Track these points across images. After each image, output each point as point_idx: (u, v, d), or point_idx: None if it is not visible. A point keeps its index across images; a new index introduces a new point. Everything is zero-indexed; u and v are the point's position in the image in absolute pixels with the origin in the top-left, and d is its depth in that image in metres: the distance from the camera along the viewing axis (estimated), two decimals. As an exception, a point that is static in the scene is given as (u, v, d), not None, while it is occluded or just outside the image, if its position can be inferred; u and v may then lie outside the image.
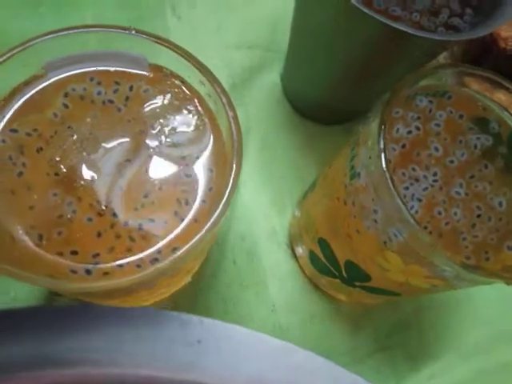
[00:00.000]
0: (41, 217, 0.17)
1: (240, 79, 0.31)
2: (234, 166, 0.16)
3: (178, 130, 0.18)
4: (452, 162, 0.18)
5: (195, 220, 0.17)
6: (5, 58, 0.17)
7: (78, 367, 0.11)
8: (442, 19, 0.22)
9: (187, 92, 0.19)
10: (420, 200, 0.18)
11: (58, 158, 0.17)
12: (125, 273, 0.16)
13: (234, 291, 0.26)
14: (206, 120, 0.18)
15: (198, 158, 0.18)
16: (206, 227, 0.16)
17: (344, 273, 0.23)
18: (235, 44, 0.32)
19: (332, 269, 0.23)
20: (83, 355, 0.11)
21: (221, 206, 0.16)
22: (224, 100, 0.17)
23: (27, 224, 0.17)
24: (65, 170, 0.17)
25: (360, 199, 0.18)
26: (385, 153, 0.16)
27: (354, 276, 0.22)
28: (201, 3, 0.33)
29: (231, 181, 0.16)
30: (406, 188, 0.18)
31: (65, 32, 0.17)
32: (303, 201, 0.27)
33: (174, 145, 0.18)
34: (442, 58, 0.32)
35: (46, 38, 0.17)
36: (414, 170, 0.18)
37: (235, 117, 0.17)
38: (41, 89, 0.18)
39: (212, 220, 0.16)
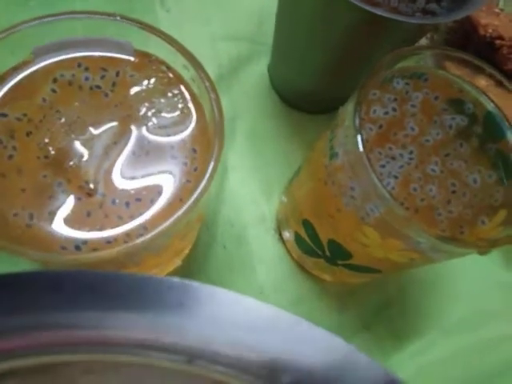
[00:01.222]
0: (32, 198, 0.17)
1: (227, 70, 0.32)
2: (216, 145, 0.17)
3: (163, 113, 0.19)
4: (428, 140, 0.19)
5: (180, 199, 0.18)
6: (-6, 43, 0.18)
7: (63, 330, 0.12)
8: (419, 5, 0.22)
9: (172, 77, 0.19)
10: (396, 177, 0.18)
11: (46, 141, 0.18)
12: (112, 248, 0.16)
13: (224, 275, 0.27)
14: (190, 103, 0.19)
15: (182, 139, 0.19)
16: (188, 204, 0.16)
17: (327, 252, 0.23)
18: (223, 36, 0.33)
19: (316, 249, 0.24)
20: (66, 318, 0.12)
21: (203, 183, 0.17)
22: (207, 83, 0.18)
23: (19, 205, 0.17)
24: (53, 153, 0.18)
25: (338, 178, 0.19)
26: (360, 132, 0.17)
27: (337, 254, 0.23)
28: (189, -4, 0.33)
29: (213, 159, 0.17)
30: (383, 166, 0.18)
31: (52, 18, 0.18)
32: (289, 186, 0.28)
33: (160, 127, 0.19)
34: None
35: (33, 23, 0.18)
36: (390, 148, 0.19)
37: (217, 99, 0.17)
38: (30, 74, 0.19)
39: (193, 198, 0.17)
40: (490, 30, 0.31)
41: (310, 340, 0.12)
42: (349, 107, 0.18)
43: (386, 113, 0.19)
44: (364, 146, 0.17)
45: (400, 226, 0.17)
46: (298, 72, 0.29)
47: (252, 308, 0.12)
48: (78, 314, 0.12)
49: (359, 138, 0.17)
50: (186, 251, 0.25)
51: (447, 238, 0.17)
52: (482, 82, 0.30)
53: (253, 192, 0.29)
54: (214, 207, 0.28)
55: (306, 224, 0.24)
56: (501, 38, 0.31)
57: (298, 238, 0.26)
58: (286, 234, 0.28)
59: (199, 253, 0.27)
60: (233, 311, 0.12)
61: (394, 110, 0.19)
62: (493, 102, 0.21)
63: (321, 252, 0.24)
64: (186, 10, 0.33)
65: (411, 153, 0.19)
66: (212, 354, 0.12)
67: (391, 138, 0.19)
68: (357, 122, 0.17)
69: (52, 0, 0.32)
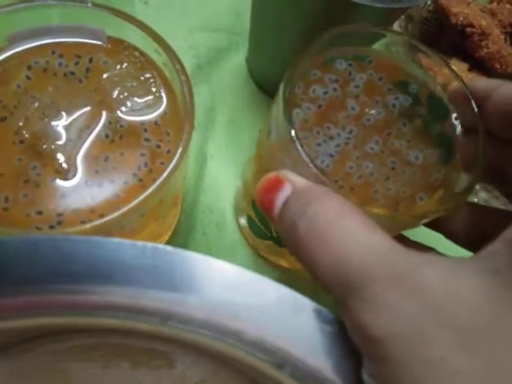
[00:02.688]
0: (8, 182, 0.18)
1: (206, 61, 0.33)
2: (187, 124, 0.17)
3: (136, 97, 0.19)
4: (369, 120, 0.19)
5: (153, 180, 0.18)
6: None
7: (44, 293, 0.12)
8: (385, -9, 0.23)
9: (144, 61, 0.20)
10: (332, 155, 0.18)
11: (21, 124, 0.18)
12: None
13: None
14: (162, 87, 0.19)
15: (155, 122, 0.19)
16: (159, 181, 0.17)
17: (274, 232, 0.24)
18: (200, 27, 0.34)
19: (265, 230, 0.24)
20: (48, 282, 0.12)
21: (173, 162, 0.17)
22: (177, 66, 0.18)
23: (-5, 189, 0.18)
24: (28, 136, 0.18)
25: (275, 155, 0.19)
26: (290, 113, 0.17)
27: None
28: (167, -11, 0.34)
29: (184, 138, 0.17)
30: (319, 144, 0.18)
31: (25, 5, 0.18)
32: (243, 171, 0.28)
33: (133, 111, 0.19)
34: (398, 35, 0.34)
35: (6, 9, 0.18)
36: (328, 128, 0.19)
37: (187, 81, 0.18)
38: (4, 61, 0.19)
39: (164, 175, 0.17)
40: (461, 19, 0.32)
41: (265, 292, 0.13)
42: (280, 88, 0.18)
43: (326, 92, 0.19)
44: (296, 132, 0.16)
45: None
46: (272, 61, 0.29)
47: (219, 270, 0.13)
48: (51, 282, 0.12)
49: (290, 126, 0.16)
50: (166, 237, 0.26)
51: (376, 214, 0.17)
52: (453, 67, 0.31)
53: (231, 179, 0.30)
54: (193, 195, 0.29)
55: (255, 204, 0.24)
56: (471, 25, 0.32)
57: (250, 221, 0.26)
58: (242, 221, 0.28)
59: (179, 239, 0.28)
60: (203, 273, 0.13)
61: (335, 90, 0.19)
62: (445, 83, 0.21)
63: (269, 233, 0.24)
64: (163, 2, 0.33)
65: (350, 132, 0.19)
66: (184, 316, 0.12)
67: (331, 118, 0.19)
68: (285, 103, 0.17)
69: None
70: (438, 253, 0.20)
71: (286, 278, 0.28)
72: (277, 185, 0.15)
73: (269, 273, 0.28)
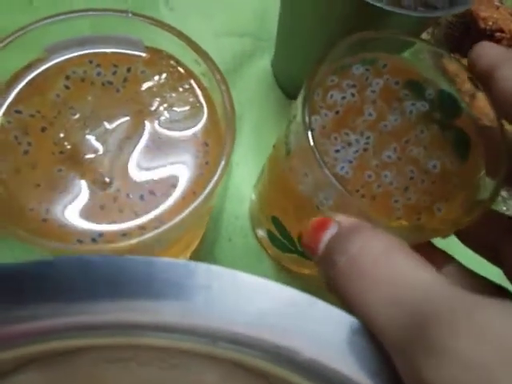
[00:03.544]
0: (47, 193, 0.18)
1: (231, 66, 0.33)
2: (228, 136, 0.17)
3: (175, 107, 0.19)
4: (386, 126, 0.19)
5: (193, 192, 0.18)
6: (6, 42, 0.18)
7: (83, 315, 0.12)
8: (421, -1, 0.23)
9: (182, 71, 0.20)
10: (351, 162, 0.18)
11: (62, 135, 0.18)
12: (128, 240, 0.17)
13: (230, 267, 0.27)
14: (201, 97, 0.19)
15: (194, 133, 0.19)
16: (203, 196, 0.17)
17: (299, 247, 0.23)
18: (226, 32, 0.33)
19: (288, 245, 0.24)
20: (92, 305, 0.12)
21: (217, 175, 0.17)
22: (218, 77, 0.18)
23: (35, 200, 0.18)
24: (69, 147, 0.18)
25: (294, 171, 0.19)
26: (310, 128, 0.16)
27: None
28: (191, -7, 0.34)
29: (226, 151, 0.17)
30: (337, 151, 0.18)
31: (63, 16, 0.18)
32: (257, 184, 0.28)
33: (171, 122, 0.19)
34: (426, 40, 0.33)
35: (45, 22, 0.18)
36: (346, 134, 0.19)
37: (227, 91, 0.18)
38: (43, 71, 0.19)
39: (208, 189, 0.17)
40: (490, 23, 0.31)
41: (326, 318, 0.13)
42: (298, 99, 0.18)
43: (344, 98, 0.19)
44: (314, 141, 0.16)
45: (354, 214, 0.17)
46: (301, 67, 0.29)
47: (271, 290, 0.13)
48: (104, 301, 0.12)
49: (309, 133, 0.16)
50: (194, 246, 0.26)
51: (402, 226, 0.17)
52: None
53: (257, 186, 0.29)
54: (220, 202, 0.29)
55: (275, 220, 0.24)
56: (501, 30, 0.31)
57: (270, 235, 0.26)
58: (260, 232, 0.28)
59: (206, 247, 0.28)
60: (253, 294, 0.13)
61: (353, 95, 0.19)
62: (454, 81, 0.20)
63: (293, 247, 0.24)
64: (189, 7, 0.33)
65: (368, 138, 0.19)
66: (234, 336, 0.12)
67: (348, 124, 0.19)
68: (306, 118, 0.17)
69: (55, 0, 0.32)
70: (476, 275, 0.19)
71: (308, 285, 0.28)
72: (324, 225, 0.15)
73: (292, 281, 0.28)
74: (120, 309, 0.12)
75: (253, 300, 0.12)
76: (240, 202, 0.29)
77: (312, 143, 0.16)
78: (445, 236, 0.17)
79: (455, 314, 0.11)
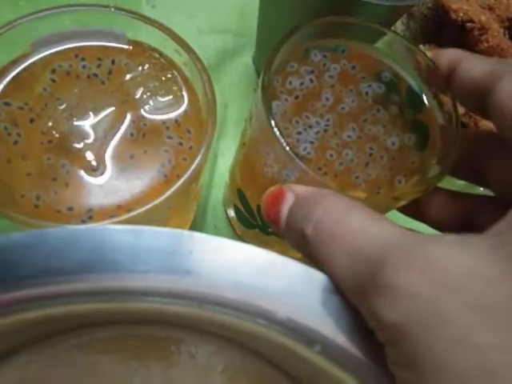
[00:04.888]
0: (37, 181, 0.19)
1: (214, 62, 0.34)
2: (209, 122, 0.18)
3: (158, 96, 0.20)
4: (343, 108, 0.20)
5: (177, 176, 0.19)
6: (-6, 38, 0.19)
7: (71, 283, 0.13)
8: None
9: (164, 62, 0.20)
10: (312, 142, 0.19)
11: (50, 124, 0.19)
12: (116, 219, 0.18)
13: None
14: (183, 86, 0.20)
15: (177, 120, 0.20)
16: (184, 177, 0.18)
17: (259, 219, 0.24)
18: (208, 29, 0.34)
19: (250, 218, 0.25)
20: (79, 274, 0.13)
21: (198, 158, 0.18)
22: (199, 66, 0.19)
23: (25, 188, 0.18)
24: (57, 136, 0.19)
25: (258, 145, 0.20)
26: (269, 106, 0.17)
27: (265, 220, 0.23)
28: (173, -8, 0.35)
29: (207, 134, 0.18)
30: (299, 133, 0.19)
31: (48, 12, 0.19)
32: (231, 165, 0.29)
33: (155, 110, 0.20)
34: (401, 33, 0.35)
35: (31, 17, 0.19)
36: (307, 117, 0.20)
37: (209, 80, 0.19)
38: (29, 66, 0.20)
39: (190, 170, 0.18)
40: (461, 14, 0.33)
41: (302, 277, 0.14)
42: (258, 89, 0.19)
43: (302, 83, 0.20)
44: (276, 123, 0.17)
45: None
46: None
47: (253, 253, 0.14)
48: (91, 269, 0.13)
49: (271, 119, 0.17)
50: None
51: (357, 198, 0.18)
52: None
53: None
54: (206, 191, 0.30)
55: (240, 193, 0.25)
56: (471, 21, 0.33)
57: (237, 212, 0.27)
58: (231, 213, 0.29)
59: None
60: (236, 257, 0.14)
61: (311, 81, 0.20)
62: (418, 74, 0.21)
63: (254, 220, 0.25)
64: (171, 5, 0.34)
65: (328, 120, 0.20)
66: (219, 298, 0.13)
67: (308, 108, 0.20)
68: (267, 103, 0.17)
69: (40, 0, 0.33)
70: None
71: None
72: (280, 196, 0.16)
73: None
74: (106, 276, 0.13)
75: (234, 263, 0.13)
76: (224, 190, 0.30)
77: (275, 127, 0.17)
78: (392, 208, 0.19)
79: (399, 252, 0.12)
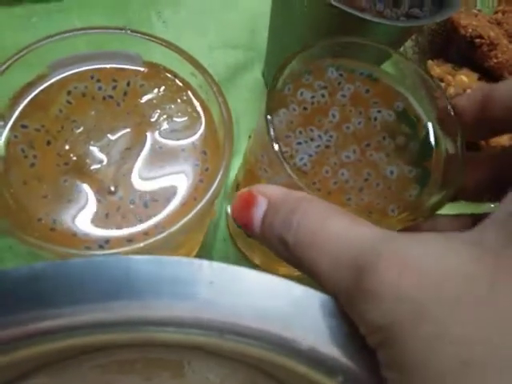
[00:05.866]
0: (53, 204, 0.19)
1: (224, 77, 0.34)
2: (227, 144, 0.18)
3: (174, 118, 0.20)
4: (348, 128, 0.20)
5: (194, 198, 0.19)
6: (12, 60, 0.19)
7: (95, 313, 0.13)
8: (403, 10, 0.24)
9: (180, 84, 0.21)
10: (311, 155, 0.19)
11: (67, 147, 0.19)
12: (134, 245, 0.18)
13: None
14: (199, 108, 0.20)
15: (192, 142, 0.20)
16: (203, 201, 0.18)
17: None
18: (218, 45, 0.35)
19: None
20: (102, 304, 0.13)
21: (216, 182, 0.18)
22: (214, 88, 0.19)
23: (42, 211, 0.18)
24: (75, 159, 0.19)
25: (256, 148, 0.20)
26: (269, 108, 0.18)
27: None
28: (184, 8, 0.35)
29: (225, 158, 0.18)
30: (299, 143, 0.19)
31: (66, 34, 0.19)
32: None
33: (171, 132, 0.20)
34: (410, 48, 0.35)
35: (48, 40, 0.19)
36: (311, 130, 0.20)
37: (225, 102, 0.19)
38: (46, 88, 0.20)
39: (208, 195, 0.18)
40: (470, 30, 0.33)
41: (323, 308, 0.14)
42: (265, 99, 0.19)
43: (313, 97, 0.20)
44: (273, 125, 0.17)
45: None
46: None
47: (273, 282, 0.14)
48: (114, 299, 0.13)
49: (268, 122, 0.17)
50: (197, 248, 0.27)
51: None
52: (464, 78, 0.32)
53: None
54: (218, 206, 0.30)
55: (237, 189, 0.25)
56: (480, 36, 0.33)
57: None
58: (228, 209, 0.29)
59: (205, 248, 0.29)
60: (254, 287, 0.14)
61: (323, 96, 0.20)
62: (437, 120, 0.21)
63: None
64: (182, 20, 0.34)
65: (331, 137, 0.20)
66: (241, 328, 0.13)
67: (314, 122, 0.20)
68: (267, 103, 0.18)
69: (52, 15, 0.33)
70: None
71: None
72: (250, 201, 0.15)
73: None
74: (129, 306, 0.13)
75: (254, 292, 0.13)
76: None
77: (270, 127, 0.17)
78: None
79: (379, 255, 0.12)
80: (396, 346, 0.11)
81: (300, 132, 0.20)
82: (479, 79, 0.34)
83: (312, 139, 0.20)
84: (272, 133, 0.17)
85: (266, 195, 0.15)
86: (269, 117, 0.17)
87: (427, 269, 0.11)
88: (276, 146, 0.17)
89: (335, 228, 0.13)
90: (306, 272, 0.14)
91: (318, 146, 0.19)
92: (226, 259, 0.29)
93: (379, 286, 0.11)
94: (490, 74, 0.34)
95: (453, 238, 0.12)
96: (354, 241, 0.13)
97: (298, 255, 0.14)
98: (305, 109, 0.20)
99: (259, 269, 0.14)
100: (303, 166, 0.19)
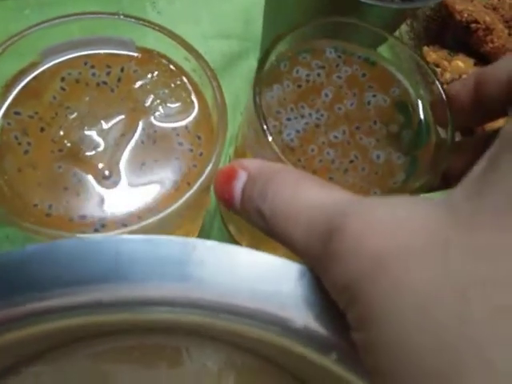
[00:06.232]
0: (48, 190, 0.19)
1: (219, 66, 0.34)
2: (220, 128, 0.18)
3: (168, 103, 0.20)
4: (340, 109, 0.20)
5: (188, 183, 0.19)
6: (4, 46, 0.19)
7: (93, 292, 0.13)
8: (397, -7, 0.24)
9: (173, 69, 0.20)
10: (298, 131, 0.19)
11: (61, 133, 0.19)
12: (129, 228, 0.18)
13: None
14: (192, 93, 0.20)
15: (186, 127, 0.20)
16: (196, 186, 0.18)
17: None
18: (213, 34, 0.34)
19: None
20: (95, 285, 0.13)
21: (209, 166, 0.18)
22: (208, 73, 0.19)
23: (37, 198, 0.18)
24: (69, 145, 0.19)
25: (245, 123, 0.20)
26: (260, 79, 0.18)
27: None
28: (178, -2, 0.35)
29: (218, 142, 0.18)
30: (289, 119, 0.19)
31: (58, 20, 0.19)
32: None
33: (165, 117, 0.20)
34: (405, 34, 0.35)
35: (40, 26, 0.19)
36: (302, 107, 0.20)
37: (219, 86, 0.19)
38: (38, 74, 0.20)
39: (201, 179, 0.18)
40: (466, 15, 0.33)
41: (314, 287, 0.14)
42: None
43: (309, 75, 0.20)
44: (259, 91, 0.18)
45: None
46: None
47: (264, 260, 0.14)
48: (106, 280, 0.13)
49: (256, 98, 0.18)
50: (195, 235, 0.27)
51: None
52: (460, 63, 0.32)
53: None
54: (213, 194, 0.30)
55: None
56: (476, 21, 0.33)
57: None
58: None
59: (202, 236, 0.29)
60: (248, 265, 0.14)
61: (319, 75, 0.20)
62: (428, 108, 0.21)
63: None
64: (176, 11, 0.34)
65: (321, 115, 0.20)
66: (232, 307, 0.13)
67: (307, 100, 0.20)
68: (257, 76, 0.18)
69: (44, 7, 0.33)
70: None
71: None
72: (231, 174, 0.15)
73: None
74: (119, 287, 0.13)
75: (248, 271, 0.13)
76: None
77: (256, 96, 0.17)
78: None
79: (345, 217, 0.12)
80: (359, 303, 0.11)
81: (291, 109, 0.20)
82: (475, 64, 0.34)
83: (302, 116, 0.20)
84: (258, 102, 0.17)
85: (246, 168, 0.15)
86: (256, 88, 0.17)
87: (388, 227, 0.11)
88: (261, 117, 0.17)
89: (305, 195, 0.13)
90: (285, 245, 0.14)
91: (307, 123, 0.19)
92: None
93: (343, 245, 0.11)
94: (485, 59, 0.34)
95: (421, 199, 0.12)
96: (324, 208, 0.13)
97: (275, 228, 0.14)
98: (299, 86, 0.20)
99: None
100: (290, 142, 0.19)
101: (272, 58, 0.19)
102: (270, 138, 0.17)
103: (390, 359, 0.10)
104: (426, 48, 0.33)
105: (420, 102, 0.21)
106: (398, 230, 0.11)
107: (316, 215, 0.13)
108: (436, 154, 0.19)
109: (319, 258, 0.12)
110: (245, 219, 0.15)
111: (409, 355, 0.10)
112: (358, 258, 0.11)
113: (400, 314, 0.10)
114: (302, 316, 0.13)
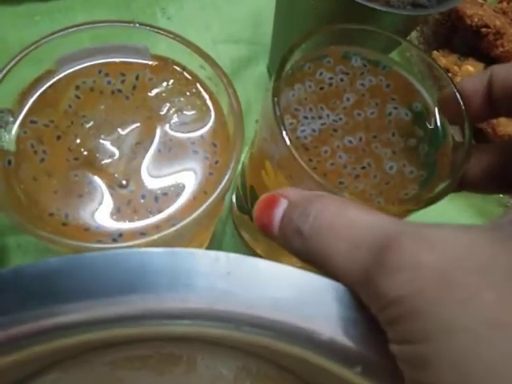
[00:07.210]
0: (64, 199, 0.18)
1: (229, 71, 0.33)
2: (237, 137, 0.18)
3: (183, 111, 0.20)
4: (359, 114, 0.20)
5: (204, 192, 0.19)
6: (20, 56, 0.19)
7: (112, 307, 0.13)
8: (410, -1, 0.24)
9: (188, 77, 0.20)
10: (314, 130, 0.19)
11: (77, 142, 0.19)
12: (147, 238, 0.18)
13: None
14: (208, 101, 0.20)
15: (202, 135, 0.20)
16: (214, 195, 0.18)
17: (249, 203, 0.24)
18: (222, 39, 0.34)
19: (244, 202, 0.25)
20: (119, 298, 0.13)
21: (227, 175, 0.18)
22: (224, 80, 0.19)
23: (53, 206, 0.18)
24: (85, 153, 0.19)
25: (261, 123, 0.20)
26: (278, 80, 0.18)
27: (253, 204, 0.23)
28: (187, 4, 0.35)
29: (235, 150, 0.18)
30: (306, 117, 0.19)
31: (73, 29, 0.19)
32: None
33: (181, 125, 0.20)
34: (415, 39, 0.34)
35: (56, 35, 0.19)
36: (321, 108, 0.20)
37: (234, 93, 0.19)
38: (54, 83, 0.20)
39: (219, 188, 0.18)
40: (476, 19, 0.33)
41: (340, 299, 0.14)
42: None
43: (331, 78, 0.20)
44: (278, 88, 0.18)
45: (295, 172, 0.18)
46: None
47: (290, 273, 0.14)
48: (130, 293, 0.13)
49: (275, 100, 0.18)
50: (208, 241, 0.26)
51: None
52: (470, 68, 0.32)
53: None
54: (226, 200, 0.30)
55: (242, 171, 0.25)
56: (486, 26, 0.33)
57: (236, 192, 0.27)
58: (233, 197, 0.29)
59: (214, 243, 0.29)
60: (272, 278, 0.14)
61: (342, 80, 0.20)
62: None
63: (246, 205, 0.25)
64: (186, 17, 0.34)
65: (340, 119, 0.20)
66: (257, 319, 0.13)
67: (327, 102, 0.20)
68: (276, 75, 0.18)
69: (55, 13, 0.33)
70: None
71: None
72: (273, 201, 0.16)
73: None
74: (144, 300, 0.13)
75: (271, 283, 0.13)
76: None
77: (272, 93, 0.17)
78: None
79: (401, 234, 0.12)
80: (417, 316, 0.11)
81: (310, 109, 0.20)
82: (485, 69, 0.34)
83: (320, 117, 0.20)
84: (277, 113, 0.17)
85: (287, 196, 0.16)
86: (275, 82, 0.17)
87: (450, 245, 0.11)
88: (277, 110, 0.17)
89: (353, 214, 0.13)
90: (318, 262, 0.14)
91: (324, 123, 0.19)
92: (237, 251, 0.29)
93: (399, 257, 0.11)
94: (496, 63, 0.34)
95: (471, 227, 0.12)
96: (373, 224, 0.13)
97: (312, 244, 0.14)
98: (321, 88, 0.20)
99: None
100: (304, 140, 0.19)
101: (287, 66, 0.19)
102: (285, 133, 0.17)
103: (456, 373, 0.10)
104: (435, 53, 0.33)
105: (437, 110, 0.21)
106: (457, 248, 0.11)
107: (366, 230, 0.13)
108: (454, 158, 0.19)
109: (365, 271, 0.12)
110: (280, 244, 0.15)
111: (480, 369, 0.10)
112: (417, 272, 0.11)
113: (471, 329, 0.10)
114: (328, 328, 0.13)
